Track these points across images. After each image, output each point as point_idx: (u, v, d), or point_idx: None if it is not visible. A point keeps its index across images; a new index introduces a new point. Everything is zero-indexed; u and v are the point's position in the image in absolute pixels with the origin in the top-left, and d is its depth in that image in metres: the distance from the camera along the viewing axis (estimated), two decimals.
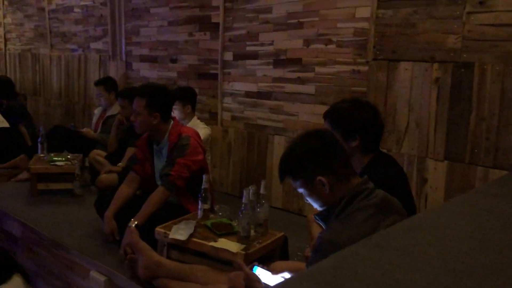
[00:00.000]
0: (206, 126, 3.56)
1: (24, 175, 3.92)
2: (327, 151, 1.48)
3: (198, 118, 3.61)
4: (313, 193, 1.50)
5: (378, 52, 2.82)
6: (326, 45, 3.09)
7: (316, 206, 1.55)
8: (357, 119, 1.84)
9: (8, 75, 6.08)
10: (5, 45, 6.47)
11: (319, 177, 1.45)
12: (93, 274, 2.37)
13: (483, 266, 1.11)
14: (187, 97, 3.56)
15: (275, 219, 2.38)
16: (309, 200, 1.55)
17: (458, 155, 2.52)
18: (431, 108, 2.60)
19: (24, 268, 2.80)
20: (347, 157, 1.52)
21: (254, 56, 3.53)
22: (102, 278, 2.32)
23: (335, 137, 1.58)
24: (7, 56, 6.45)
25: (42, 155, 3.75)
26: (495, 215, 1.58)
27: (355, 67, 2.94)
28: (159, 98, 2.65)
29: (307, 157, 1.48)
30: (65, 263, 2.65)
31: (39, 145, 3.80)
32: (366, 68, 2.88)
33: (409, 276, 1.05)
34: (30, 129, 5.06)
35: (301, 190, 1.55)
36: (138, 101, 2.61)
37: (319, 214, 1.54)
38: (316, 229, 2.27)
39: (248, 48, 3.57)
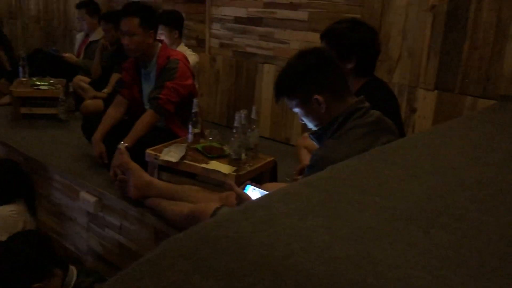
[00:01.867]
0: (193, 53, 3.46)
1: (5, 99, 3.83)
2: (324, 69, 1.46)
3: (186, 45, 3.51)
4: (309, 113, 1.50)
5: None
6: None
7: (311, 125, 1.55)
8: (354, 40, 1.81)
9: None
10: None
11: (316, 96, 1.44)
12: (83, 194, 2.39)
13: (474, 178, 1.15)
14: (174, 22, 3.43)
15: (263, 148, 2.39)
16: (305, 120, 1.54)
17: (448, 85, 2.52)
18: (425, 37, 2.57)
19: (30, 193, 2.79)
20: (344, 75, 1.51)
21: None
22: (92, 199, 2.34)
23: (332, 55, 1.56)
24: None
25: (24, 79, 3.64)
26: (483, 137, 1.62)
27: None
28: (152, 14, 2.55)
29: (303, 75, 1.46)
30: (54, 185, 2.66)
31: (20, 69, 3.67)
32: None
33: (405, 185, 1.08)
34: (9, 54, 4.88)
35: (296, 110, 1.54)
36: (131, 21, 2.46)
37: (314, 133, 1.55)
38: (305, 154, 2.31)
39: None
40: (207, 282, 0.62)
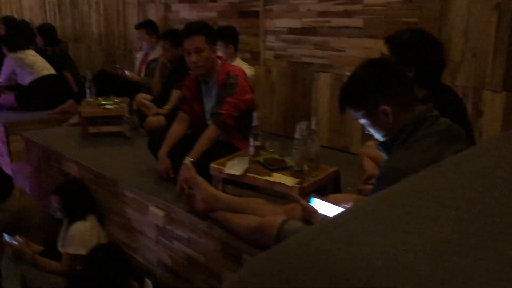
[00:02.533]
0: (249, 67, 3.54)
1: (74, 119, 4.05)
2: (391, 78, 1.44)
3: (241, 59, 3.59)
4: (376, 123, 1.48)
5: None
6: None
7: (378, 136, 1.53)
8: (416, 50, 1.78)
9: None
10: None
11: (383, 106, 1.43)
12: (152, 209, 2.49)
13: None
14: (230, 37, 3.52)
15: (322, 157, 2.39)
16: (371, 131, 1.53)
17: None
18: (490, 37, 2.47)
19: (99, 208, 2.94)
20: (411, 84, 1.49)
21: None
22: (160, 213, 2.44)
23: (395, 63, 1.54)
24: (46, 4, 6.49)
25: (90, 99, 3.85)
26: None
27: None
28: (213, 33, 2.66)
29: (370, 85, 1.45)
30: (124, 200, 2.78)
31: (87, 90, 3.89)
32: None
33: (484, 196, 1.04)
34: (74, 75, 5.19)
35: (362, 121, 1.53)
36: (197, 39, 2.55)
37: (381, 144, 1.53)
38: (369, 163, 2.28)
39: None
40: None
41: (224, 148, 2.55)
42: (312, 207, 1.79)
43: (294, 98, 3.60)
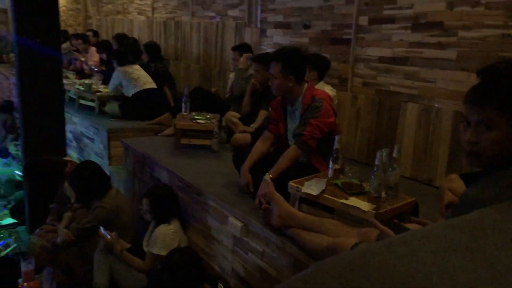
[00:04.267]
0: (331, 88, 3.63)
1: (169, 130, 4.38)
2: None
3: (327, 83, 3.68)
4: (504, 140, 1.29)
5: None
6: (472, 7, 2.89)
7: (488, 155, 1.33)
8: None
9: None
10: (152, 13, 7.12)
11: None
12: (232, 219, 2.63)
13: None
14: (316, 64, 3.63)
15: (404, 187, 2.37)
16: (488, 148, 1.31)
17: None
18: None
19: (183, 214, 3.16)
20: None
21: (391, 20, 3.44)
22: (239, 224, 2.57)
23: None
24: (154, 24, 7.10)
25: (185, 113, 4.14)
26: None
27: (505, 31, 2.72)
28: (293, 61, 2.75)
29: None
30: (205, 208, 2.96)
31: (183, 104, 4.19)
32: None
33: None
34: (172, 91, 5.60)
35: (489, 134, 1.30)
36: (274, 66, 2.74)
37: (467, 174, 1.48)
38: (449, 196, 2.23)
39: (385, 12, 3.48)
40: None
41: (303, 169, 2.63)
42: (390, 231, 1.80)
43: (379, 126, 3.60)
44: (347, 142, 3.86)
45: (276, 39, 4.70)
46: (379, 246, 0.97)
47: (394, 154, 2.26)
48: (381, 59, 3.54)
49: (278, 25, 4.65)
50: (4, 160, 6.42)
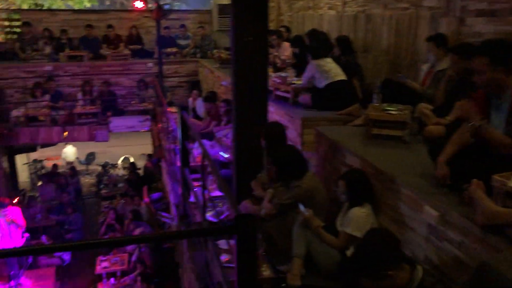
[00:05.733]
0: None
1: (358, 120, 4.57)
2: None
3: None
4: None
5: None
6: None
7: None
8: None
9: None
10: (343, 7, 7.35)
11: None
12: (427, 208, 2.70)
13: None
14: None
15: None
16: None
17: None
18: None
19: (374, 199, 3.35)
20: None
21: None
22: (435, 213, 2.63)
23: None
24: (344, 18, 7.32)
25: (376, 104, 4.27)
26: None
27: None
28: (502, 53, 2.64)
29: None
30: (399, 196, 3.07)
31: (374, 95, 4.33)
32: None
33: None
34: (361, 83, 5.75)
35: None
36: (479, 60, 2.66)
37: None
38: None
39: None
40: None
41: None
42: None
43: None
44: None
45: (477, 28, 4.46)
46: None
47: None
48: None
49: (481, 13, 4.40)
50: (209, 143, 7.44)
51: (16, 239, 7.94)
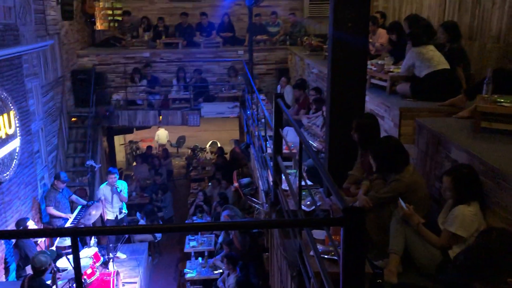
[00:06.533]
0: None
1: (465, 112, 4.25)
2: None
3: None
4: None
5: None
6: None
7: None
8: None
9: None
10: None
11: None
12: None
13: None
14: None
15: None
16: None
17: None
18: None
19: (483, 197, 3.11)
20: None
21: None
22: None
23: None
24: (447, 2, 6.85)
25: (486, 95, 3.94)
26: None
27: None
28: None
29: None
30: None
31: (485, 86, 3.99)
32: None
33: None
34: (466, 72, 5.35)
35: None
36: None
37: None
38: None
39: None
40: None
41: None
42: None
43: None
44: None
45: None
46: None
47: None
48: None
49: None
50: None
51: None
